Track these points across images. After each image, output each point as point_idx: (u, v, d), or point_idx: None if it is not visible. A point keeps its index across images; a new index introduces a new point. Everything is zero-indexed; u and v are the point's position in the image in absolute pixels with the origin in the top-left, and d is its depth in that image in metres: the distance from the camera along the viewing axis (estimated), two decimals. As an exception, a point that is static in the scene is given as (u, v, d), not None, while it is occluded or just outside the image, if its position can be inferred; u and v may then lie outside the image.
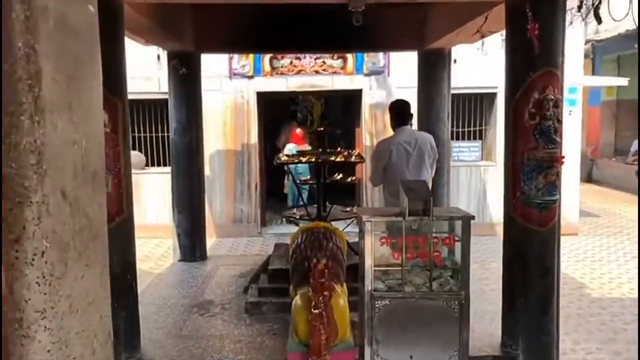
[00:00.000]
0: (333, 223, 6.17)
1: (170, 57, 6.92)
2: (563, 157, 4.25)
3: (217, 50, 7.28)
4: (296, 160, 5.75)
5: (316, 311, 3.83)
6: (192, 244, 7.12)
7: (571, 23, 4.54)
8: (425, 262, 3.95)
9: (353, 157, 5.86)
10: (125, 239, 4.30)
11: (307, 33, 6.77)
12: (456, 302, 3.92)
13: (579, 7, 4.37)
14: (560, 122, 4.18)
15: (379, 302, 3.91)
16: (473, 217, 3.93)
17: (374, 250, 3.92)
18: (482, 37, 5.98)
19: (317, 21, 6.46)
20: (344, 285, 4.46)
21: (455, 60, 7.01)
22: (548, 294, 4.29)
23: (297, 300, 4.13)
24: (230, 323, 5.08)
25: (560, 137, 4.19)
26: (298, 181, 7.06)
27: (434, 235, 3.91)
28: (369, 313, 3.92)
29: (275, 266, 5.56)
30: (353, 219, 6.68)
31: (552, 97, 4.13)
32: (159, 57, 6.53)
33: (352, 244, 5.89)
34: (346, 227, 6.78)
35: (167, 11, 5.58)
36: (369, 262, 3.91)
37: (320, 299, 3.83)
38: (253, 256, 7.63)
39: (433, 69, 6.97)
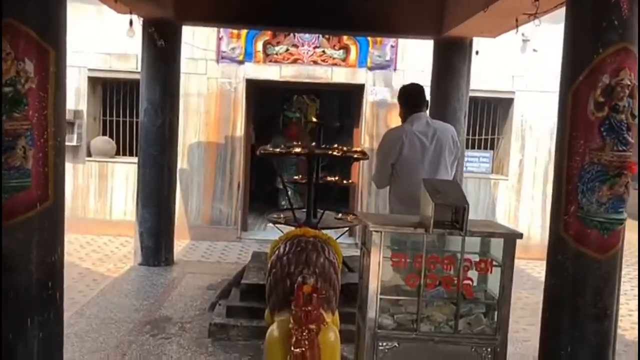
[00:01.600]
0: (324, 232, 5.10)
1: (147, 26, 5.84)
2: (635, 163, 3.20)
3: (201, 20, 6.20)
4: (284, 152, 4.65)
5: (297, 350, 2.71)
6: (156, 245, 6.03)
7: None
8: (450, 293, 2.87)
9: (353, 153, 4.77)
10: (50, 234, 3.17)
11: (307, 8, 5.73)
12: (489, 350, 2.85)
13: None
14: (635, 116, 3.14)
15: (385, 344, 2.83)
16: (520, 236, 2.86)
17: (381, 271, 2.83)
18: (517, 25, 4.96)
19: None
20: (336, 313, 3.35)
21: (477, 52, 5.97)
22: (604, 344, 3.22)
23: (274, 330, 2.98)
24: (187, 350, 3.97)
25: (635, 136, 3.15)
26: (286, 180, 5.95)
27: (465, 256, 2.83)
28: (370, 358, 2.83)
29: (250, 280, 4.47)
30: (348, 228, 5.61)
31: (628, 82, 3.08)
32: (131, 22, 5.45)
33: (345, 259, 4.81)
34: (338, 237, 5.70)
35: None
36: (373, 287, 2.83)
37: (305, 334, 2.72)
38: (228, 264, 6.50)
39: (451, 60, 5.97)
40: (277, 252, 3.42)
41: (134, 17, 5.79)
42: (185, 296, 5.10)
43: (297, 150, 4.64)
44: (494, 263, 2.86)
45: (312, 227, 4.78)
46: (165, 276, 5.72)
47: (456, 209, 2.82)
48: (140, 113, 5.98)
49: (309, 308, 2.74)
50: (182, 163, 7.82)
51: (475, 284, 2.91)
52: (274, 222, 5.34)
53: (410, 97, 4.04)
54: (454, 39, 5.84)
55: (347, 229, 5.58)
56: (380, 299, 2.83)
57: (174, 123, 6.04)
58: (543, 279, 3.42)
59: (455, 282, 2.84)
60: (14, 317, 3.01)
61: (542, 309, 3.40)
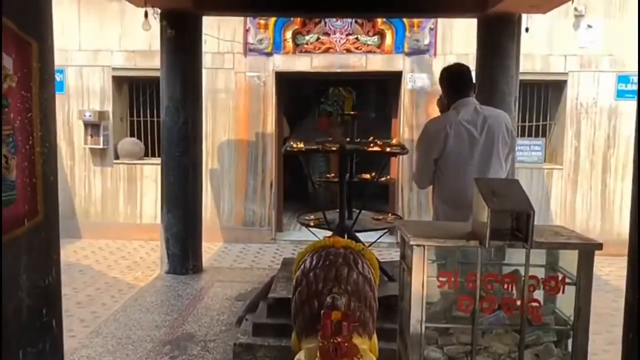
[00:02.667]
0: (360, 236, 4.57)
1: (164, 18, 5.41)
2: None
3: (222, 10, 5.74)
4: (312, 149, 4.13)
5: (326, 390, 2.22)
6: (183, 252, 5.62)
7: None
8: (512, 318, 2.31)
9: (390, 147, 4.21)
10: (42, 255, 2.74)
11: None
12: (564, 388, 2.28)
13: None
14: None
15: (433, 383, 2.30)
16: (600, 246, 2.27)
17: (426, 294, 2.30)
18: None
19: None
20: (374, 336, 2.83)
21: (527, 29, 5.30)
22: None
23: (301, 359, 2.50)
24: (209, 375, 3.51)
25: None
26: (317, 178, 5.44)
27: (530, 274, 2.27)
28: (415, 400, 2.31)
29: (279, 293, 3.98)
30: (386, 229, 5.06)
31: None
32: (146, 14, 5.03)
33: (383, 265, 4.29)
34: (378, 239, 5.17)
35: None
36: (416, 314, 2.29)
37: (334, 371, 2.22)
38: (260, 270, 6.05)
39: (498, 39, 5.33)
40: (302, 266, 2.90)
41: (150, 9, 5.40)
42: (212, 309, 4.67)
43: (327, 146, 4.11)
44: (567, 280, 2.28)
45: (344, 233, 4.28)
46: (192, 285, 5.31)
47: (518, 215, 2.26)
48: (161, 111, 5.57)
49: (339, 339, 2.22)
50: (212, 163, 7.44)
51: (543, 305, 2.34)
52: (306, 225, 4.85)
53: (454, 79, 3.44)
54: (500, 15, 5.21)
55: (386, 230, 5.01)
56: (426, 327, 2.30)
57: (197, 121, 5.61)
58: (607, 277, 2.82)
59: (519, 304, 2.28)
60: (2, 350, 2.61)
61: (624, 328, 2.78)
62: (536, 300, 2.28)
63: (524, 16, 5.42)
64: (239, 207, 7.57)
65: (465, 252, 2.38)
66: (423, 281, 2.26)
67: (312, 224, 4.82)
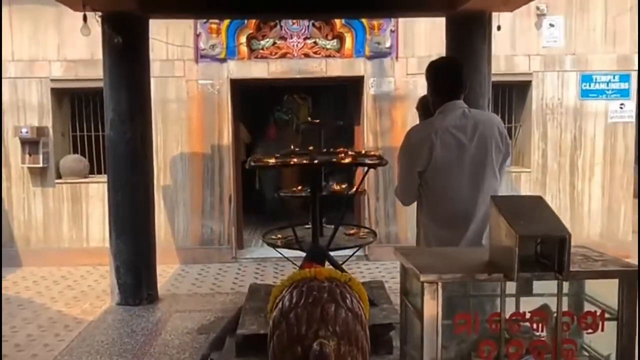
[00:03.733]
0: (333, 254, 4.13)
1: (105, 21, 4.83)
2: None
3: (170, 12, 5.21)
4: (280, 162, 3.65)
5: None
6: (136, 280, 5.04)
7: None
8: (545, 365, 1.89)
9: (367, 159, 3.78)
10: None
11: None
12: None
13: None
14: None
15: None
16: (645, 273, 1.89)
17: (440, 340, 1.85)
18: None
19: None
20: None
21: (499, 27, 4.98)
22: None
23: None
24: None
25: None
26: (282, 193, 4.96)
27: (564, 310, 1.86)
28: None
29: (248, 328, 3.47)
30: (360, 246, 4.63)
31: None
32: (85, 18, 4.45)
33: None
34: (352, 255, 4.74)
35: None
36: (432, 367, 1.84)
37: None
38: (223, 295, 5.49)
39: (468, 39, 4.97)
40: (280, 305, 2.41)
41: (90, 12, 4.81)
42: (171, 346, 4.10)
43: (296, 160, 3.64)
44: (607, 315, 1.89)
45: (319, 255, 3.82)
46: (147, 318, 4.72)
47: (543, 239, 1.85)
48: (105, 126, 4.98)
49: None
50: (164, 179, 6.86)
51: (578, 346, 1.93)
52: (273, 246, 4.37)
53: (442, 78, 2.97)
54: (470, 13, 4.88)
55: (359, 247, 4.58)
56: (442, 382, 1.85)
57: (146, 134, 5.04)
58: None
59: (551, 347, 1.86)
60: None
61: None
62: (571, 342, 1.87)
63: (493, 14, 5.12)
64: (196, 225, 6.99)
65: (485, 289, 1.96)
66: (437, 327, 1.82)
67: (279, 243, 4.36)
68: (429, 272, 1.84)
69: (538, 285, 1.93)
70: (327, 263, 3.82)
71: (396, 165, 3.15)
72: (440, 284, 1.81)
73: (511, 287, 1.92)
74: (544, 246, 1.87)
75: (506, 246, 1.82)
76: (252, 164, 3.71)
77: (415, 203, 3.09)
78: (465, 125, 2.90)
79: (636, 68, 6.85)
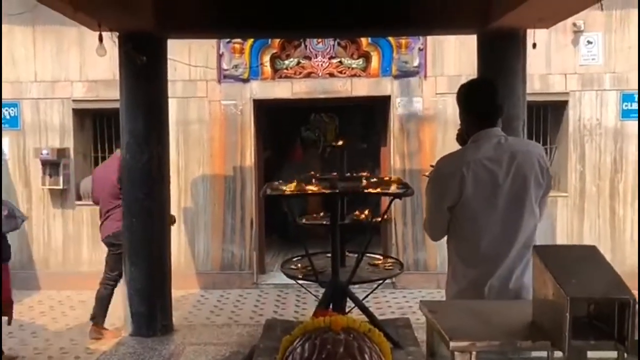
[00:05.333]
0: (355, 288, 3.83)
1: (123, 41, 4.68)
2: None
3: (190, 32, 5.02)
4: (297, 191, 3.38)
5: None
6: (149, 310, 4.80)
7: None
8: None
9: (392, 186, 3.48)
10: None
11: (321, 7, 4.52)
12: None
13: None
14: None
15: None
16: None
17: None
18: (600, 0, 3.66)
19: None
20: None
21: (534, 45, 4.65)
22: None
23: None
24: None
25: None
26: (302, 221, 4.69)
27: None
28: None
29: (261, 373, 3.18)
30: (383, 279, 4.30)
31: None
32: (101, 38, 4.30)
33: (385, 326, 3.52)
34: (376, 288, 4.42)
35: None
36: None
37: None
38: (240, 327, 5.20)
39: (502, 57, 4.65)
40: (290, 359, 2.12)
41: (107, 32, 4.66)
42: (182, 386, 3.84)
43: (314, 188, 3.36)
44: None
45: (340, 292, 3.53)
46: (159, 351, 4.46)
47: (598, 301, 1.53)
48: (121, 148, 4.80)
49: None
50: (185, 201, 6.68)
51: None
52: (292, 277, 4.09)
53: (474, 102, 2.65)
54: (503, 30, 4.56)
55: (384, 279, 4.26)
56: None
57: (163, 157, 4.84)
58: None
59: None
60: None
61: None
62: None
63: (528, 31, 4.79)
64: (216, 249, 6.76)
65: (520, 352, 1.64)
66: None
67: (299, 275, 4.08)
68: (461, 337, 1.53)
69: (592, 354, 1.60)
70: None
71: (424, 191, 2.85)
72: (474, 353, 1.50)
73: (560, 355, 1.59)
74: (599, 306, 1.55)
75: (553, 307, 1.50)
76: (268, 192, 3.45)
77: (446, 237, 2.78)
78: (501, 157, 2.56)
79: (681, 86, 6.41)
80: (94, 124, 7.02)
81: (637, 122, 6.60)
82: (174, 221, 5.45)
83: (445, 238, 2.75)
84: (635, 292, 1.51)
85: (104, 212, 5.12)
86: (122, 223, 4.84)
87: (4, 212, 4.30)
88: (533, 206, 2.57)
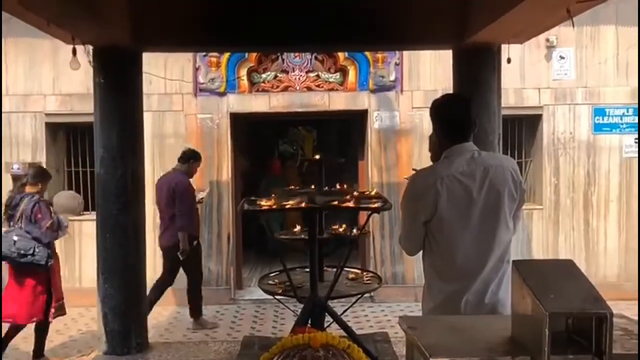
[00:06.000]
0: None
1: (95, 56, 4.62)
2: None
3: (164, 44, 4.98)
4: (275, 206, 3.36)
5: None
6: (124, 328, 4.71)
7: None
8: None
9: (370, 200, 3.48)
10: None
11: (297, 22, 4.53)
12: None
13: None
14: None
15: None
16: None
17: None
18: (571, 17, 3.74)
19: (311, 5, 4.29)
20: None
21: (509, 60, 4.73)
22: None
23: None
24: None
25: None
26: (280, 236, 4.66)
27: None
28: None
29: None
30: (362, 293, 4.28)
31: None
32: (74, 51, 4.25)
33: (364, 341, 3.50)
34: (354, 302, 4.38)
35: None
36: None
37: None
38: (217, 344, 5.11)
39: (477, 72, 4.72)
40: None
41: (81, 45, 4.61)
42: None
43: (292, 203, 3.34)
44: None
45: (318, 307, 3.50)
46: (134, 371, 4.38)
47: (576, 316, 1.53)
48: (95, 163, 4.72)
49: None
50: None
51: None
52: (271, 293, 4.06)
53: (447, 118, 2.65)
54: (478, 46, 4.62)
55: (362, 294, 4.25)
56: None
57: (138, 172, 4.78)
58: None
59: None
60: None
61: None
62: None
63: (503, 46, 4.87)
64: (193, 264, 6.67)
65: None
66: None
67: (277, 290, 4.05)
68: (441, 354, 1.52)
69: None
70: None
71: (400, 208, 2.84)
72: (454, 370, 1.49)
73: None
74: (578, 321, 1.55)
75: (532, 323, 1.50)
76: (245, 207, 3.42)
77: (422, 252, 2.77)
78: (474, 172, 2.56)
79: (650, 101, 6.58)
80: (67, 138, 6.92)
81: (608, 136, 6.74)
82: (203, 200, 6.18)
83: (421, 253, 2.75)
84: (620, 302, 1.52)
85: (164, 221, 5.60)
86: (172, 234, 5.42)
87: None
88: (507, 220, 2.58)
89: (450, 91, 4.94)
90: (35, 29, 4.28)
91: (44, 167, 6.50)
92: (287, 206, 3.36)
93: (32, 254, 4.39)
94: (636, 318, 1.90)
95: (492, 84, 4.74)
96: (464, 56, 4.79)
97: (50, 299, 4.55)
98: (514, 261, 1.67)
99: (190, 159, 5.73)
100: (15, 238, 4.44)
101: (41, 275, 4.50)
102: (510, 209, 2.58)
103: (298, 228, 4.79)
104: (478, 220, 2.51)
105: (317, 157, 4.45)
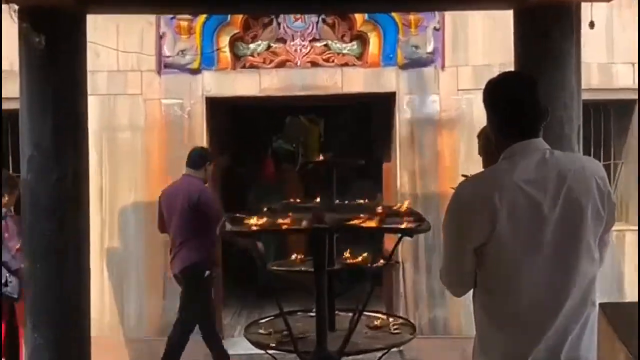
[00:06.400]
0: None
1: (22, 19, 4.71)
2: None
3: (116, 5, 5.09)
4: (267, 227, 3.40)
5: None
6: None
7: None
8: None
9: (399, 220, 3.52)
10: None
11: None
12: None
13: None
14: None
15: None
16: None
17: None
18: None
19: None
20: None
21: (592, 24, 4.79)
22: None
23: None
24: None
25: None
26: (274, 267, 4.75)
27: None
28: None
29: None
30: (387, 349, 4.34)
31: None
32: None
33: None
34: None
35: None
36: None
37: None
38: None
39: (546, 40, 4.76)
40: None
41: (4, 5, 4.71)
42: None
43: (290, 221, 3.38)
44: None
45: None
46: None
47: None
48: (21, 166, 4.79)
49: None
50: (110, 240, 6.89)
51: None
52: (259, 346, 4.14)
53: (505, 105, 2.69)
54: (549, 4, 4.68)
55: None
56: None
57: (81, 177, 4.83)
58: None
59: None
60: None
61: None
62: None
63: (583, 5, 4.92)
64: (154, 306, 6.92)
65: None
66: None
67: (271, 342, 4.14)
68: None
69: None
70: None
71: (441, 229, 2.86)
72: None
73: None
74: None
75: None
76: (228, 228, 3.44)
77: (472, 291, 2.79)
78: (545, 179, 2.57)
79: None
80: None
81: None
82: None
83: (471, 292, 2.77)
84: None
85: (177, 242, 5.84)
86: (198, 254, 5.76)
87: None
88: (591, 246, 2.59)
89: (511, 68, 5.03)
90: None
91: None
92: (285, 226, 3.40)
93: (5, 284, 4.51)
94: None
95: (569, 58, 4.77)
96: (529, 20, 4.84)
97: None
98: (600, 304, 1.67)
99: (206, 161, 5.97)
100: None
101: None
102: (595, 231, 2.59)
103: (299, 256, 4.85)
104: (551, 246, 2.52)
105: (325, 157, 4.48)
